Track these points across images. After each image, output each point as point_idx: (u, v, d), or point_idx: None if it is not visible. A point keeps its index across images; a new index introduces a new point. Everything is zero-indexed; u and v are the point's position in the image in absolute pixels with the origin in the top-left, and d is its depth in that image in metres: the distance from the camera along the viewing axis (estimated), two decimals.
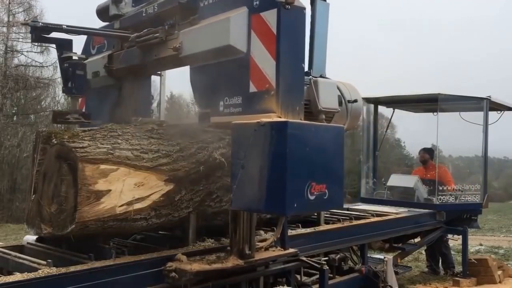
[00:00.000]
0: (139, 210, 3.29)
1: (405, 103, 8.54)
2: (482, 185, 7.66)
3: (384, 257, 5.64)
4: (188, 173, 3.57)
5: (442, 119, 7.64)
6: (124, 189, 3.20)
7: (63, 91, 3.75)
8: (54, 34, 3.76)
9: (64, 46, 3.76)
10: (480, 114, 7.64)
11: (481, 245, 10.62)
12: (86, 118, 3.87)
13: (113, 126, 3.61)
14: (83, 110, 4.55)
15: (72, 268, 2.91)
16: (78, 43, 4.07)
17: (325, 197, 2.95)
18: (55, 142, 3.33)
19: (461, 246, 7.28)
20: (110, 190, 3.13)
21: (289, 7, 2.92)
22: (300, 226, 4.70)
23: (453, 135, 8.22)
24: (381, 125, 9.82)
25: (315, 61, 3.84)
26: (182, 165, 3.55)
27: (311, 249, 4.50)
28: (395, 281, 5.45)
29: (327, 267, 4.43)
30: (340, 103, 3.88)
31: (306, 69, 3.59)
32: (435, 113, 7.73)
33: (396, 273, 5.71)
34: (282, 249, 3.81)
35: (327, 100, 3.59)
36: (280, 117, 2.91)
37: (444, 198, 7.15)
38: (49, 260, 2.95)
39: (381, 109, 8.74)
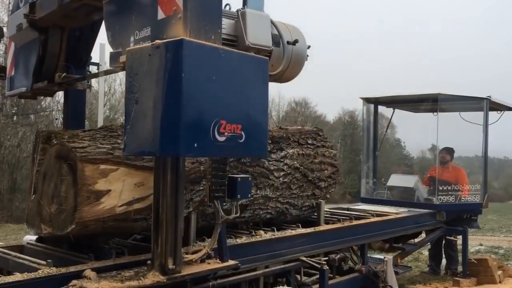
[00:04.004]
0: (139, 210, 3.29)
1: (405, 103, 8.54)
2: (482, 185, 7.66)
3: (384, 257, 5.64)
4: (188, 173, 3.57)
5: (442, 119, 7.64)
6: (124, 189, 3.20)
7: None
8: None
9: None
10: (480, 114, 7.65)
11: (481, 245, 10.62)
12: (1, 71, 3.48)
13: (113, 126, 3.61)
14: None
15: (72, 268, 2.91)
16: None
17: (241, 141, 2.54)
18: (55, 142, 3.33)
19: (461, 246, 7.28)
20: (110, 190, 3.13)
21: None
22: (300, 226, 4.70)
23: (453, 135, 8.21)
24: (381, 125, 9.82)
25: None
26: None
27: (311, 249, 4.49)
28: (395, 281, 5.45)
29: (327, 267, 4.43)
30: (277, 44, 3.34)
31: (240, 5, 3.21)
32: (435, 113, 7.74)
33: (396, 273, 5.71)
34: (219, 262, 3.24)
35: (257, 36, 3.08)
36: None
37: (444, 198, 7.15)
38: (49, 260, 2.95)
39: (381, 109, 8.74)
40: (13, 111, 22.48)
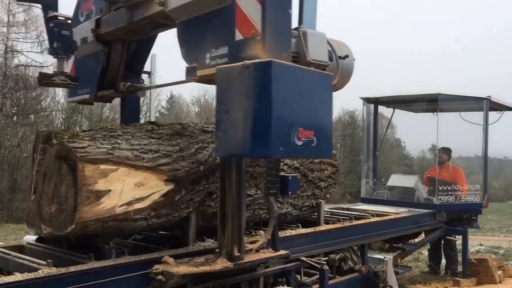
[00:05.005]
0: (139, 210, 3.29)
1: (405, 103, 8.54)
2: (482, 185, 7.66)
3: (384, 257, 5.65)
4: (188, 173, 3.57)
5: (442, 119, 7.64)
6: (124, 189, 3.20)
7: (49, 53, 3.64)
8: None
9: (49, 6, 3.66)
10: (480, 114, 7.65)
11: (481, 245, 10.62)
12: (74, 81, 3.76)
13: (113, 126, 3.61)
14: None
15: (72, 268, 2.91)
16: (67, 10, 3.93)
17: (313, 145, 2.93)
18: (55, 142, 3.33)
19: (461, 246, 7.28)
20: (110, 190, 3.13)
21: None
22: (300, 226, 4.70)
23: (453, 135, 8.21)
24: (381, 125, 9.82)
25: (305, 16, 3.68)
26: (182, 165, 3.55)
27: (311, 249, 4.49)
28: (395, 281, 5.45)
29: (327, 267, 4.43)
30: (330, 59, 3.71)
31: (296, 24, 3.50)
32: (435, 113, 7.73)
33: (396, 273, 5.71)
34: (273, 251, 3.69)
35: (316, 52, 3.43)
36: None
37: (444, 198, 7.15)
38: (49, 260, 2.95)
39: (381, 109, 8.74)
40: (13, 111, 22.48)
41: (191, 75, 3.25)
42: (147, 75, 4.76)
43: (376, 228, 5.57)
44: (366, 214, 5.93)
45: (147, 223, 3.42)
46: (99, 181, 3.09)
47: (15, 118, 22.51)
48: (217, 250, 3.39)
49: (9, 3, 22.10)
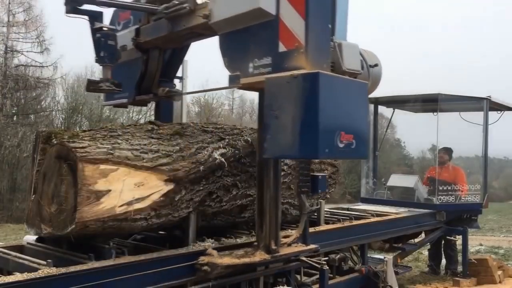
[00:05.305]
0: (139, 210, 3.29)
1: (405, 103, 8.53)
2: (482, 185, 7.66)
3: (384, 257, 5.65)
4: (188, 173, 3.57)
5: (442, 119, 7.64)
6: (124, 189, 3.20)
7: (96, 61, 3.89)
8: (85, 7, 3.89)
9: (95, 18, 3.90)
10: (480, 114, 7.64)
11: (481, 245, 10.62)
12: (117, 86, 4.01)
13: (113, 126, 3.61)
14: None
15: (72, 268, 2.90)
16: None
17: (352, 147, 3.21)
18: (55, 142, 3.33)
19: (461, 246, 7.28)
20: (110, 190, 3.13)
21: None
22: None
23: (453, 135, 8.21)
24: (381, 125, 9.82)
25: (337, 27, 3.91)
26: (182, 165, 3.55)
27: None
28: (395, 281, 5.45)
29: (327, 267, 4.43)
30: (362, 67, 4.02)
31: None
32: (435, 113, 7.73)
33: (396, 273, 5.71)
34: (304, 245, 4.00)
35: (350, 62, 3.74)
36: None
37: (444, 198, 7.15)
38: (49, 260, 2.95)
39: (381, 109, 8.74)
40: (13, 111, 22.49)
41: (234, 82, 3.50)
42: (178, 80, 4.98)
43: (376, 228, 5.57)
44: (366, 214, 5.93)
45: (147, 223, 3.42)
46: (99, 181, 3.09)
47: (15, 118, 22.52)
48: (255, 243, 3.71)
49: (9, 3, 22.13)
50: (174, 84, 4.82)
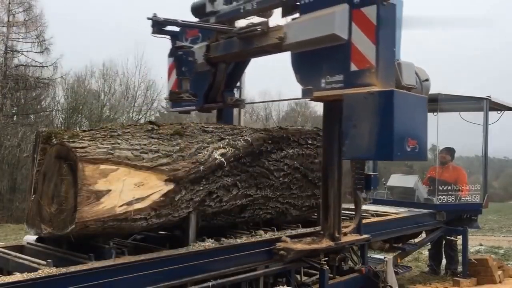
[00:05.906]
0: (139, 210, 3.29)
1: None
2: (482, 185, 7.65)
3: (384, 257, 5.64)
4: (188, 173, 3.57)
5: (442, 119, 7.64)
6: (124, 189, 3.20)
7: (177, 75, 4.44)
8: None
9: (176, 37, 4.51)
10: (480, 114, 7.64)
11: (481, 245, 10.61)
12: (195, 96, 4.52)
13: (113, 126, 3.61)
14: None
15: (72, 268, 2.91)
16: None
17: (416, 151, 3.71)
18: (55, 142, 3.33)
19: (461, 246, 7.28)
20: (110, 190, 3.13)
21: (385, 3, 3.68)
22: (300, 226, 4.70)
23: (453, 135, 8.21)
24: None
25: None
26: (182, 165, 3.55)
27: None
28: (395, 281, 5.44)
29: (327, 267, 4.43)
30: (415, 82, 4.52)
31: None
32: (435, 113, 7.72)
33: (396, 273, 5.70)
34: (358, 235, 4.66)
35: (408, 78, 4.25)
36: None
37: (444, 198, 7.15)
38: (49, 260, 2.95)
39: None
40: (13, 111, 22.49)
41: (307, 95, 4.03)
42: (235, 89, 5.48)
43: (376, 228, 5.57)
44: (366, 214, 5.93)
45: (147, 223, 3.42)
46: (99, 181, 3.09)
47: (15, 118, 22.52)
48: (321, 232, 4.30)
49: (9, 3, 22.13)
50: (234, 93, 5.36)
